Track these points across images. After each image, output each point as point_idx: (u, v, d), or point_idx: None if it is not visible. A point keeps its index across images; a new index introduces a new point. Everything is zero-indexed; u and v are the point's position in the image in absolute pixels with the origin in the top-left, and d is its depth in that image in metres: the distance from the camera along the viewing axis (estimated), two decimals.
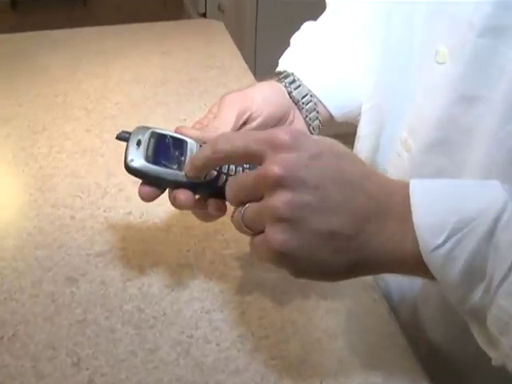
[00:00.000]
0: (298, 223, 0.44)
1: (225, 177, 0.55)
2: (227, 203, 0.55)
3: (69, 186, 0.80)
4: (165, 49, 1.20)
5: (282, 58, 0.74)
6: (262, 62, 2.35)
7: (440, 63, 0.57)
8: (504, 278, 0.42)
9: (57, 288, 0.65)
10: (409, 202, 0.45)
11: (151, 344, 0.59)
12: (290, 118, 0.68)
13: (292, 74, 0.69)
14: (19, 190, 0.81)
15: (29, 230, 0.73)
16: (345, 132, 0.76)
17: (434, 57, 0.57)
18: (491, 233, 0.42)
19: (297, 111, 0.69)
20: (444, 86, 0.56)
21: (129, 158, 0.54)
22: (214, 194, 0.55)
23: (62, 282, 0.66)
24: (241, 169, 0.56)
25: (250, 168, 0.56)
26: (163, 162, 0.54)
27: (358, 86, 0.71)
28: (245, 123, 0.63)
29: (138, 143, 0.55)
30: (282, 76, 0.69)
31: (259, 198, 0.47)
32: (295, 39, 0.75)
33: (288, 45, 0.75)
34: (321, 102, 0.70)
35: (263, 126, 0.64)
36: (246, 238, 0.50)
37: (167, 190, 0.56)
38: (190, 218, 0.67)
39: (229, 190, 0.51)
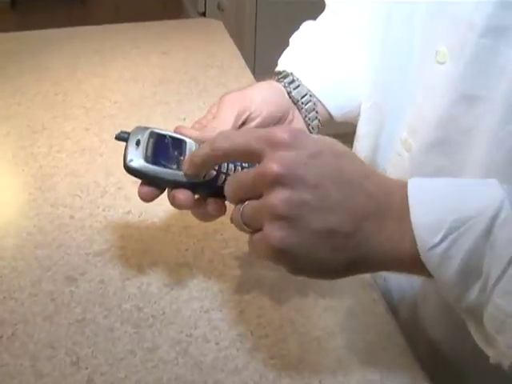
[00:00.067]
0: (296, 221, 0.44)
1: (224, 176, 0.55)
2: (227, 203, 0.55)
3: (68, 186, 0.80)
4: (164, 48, 1.20)
5: (281, 57, 0.74)
6: (262, 61, 2.35)
7: (440, 63, 0.57)
8: (500, 277, 0.42)
9: (56, 287, 0.65)
10: (407, 202, 0.45)
11: (150, 343, 0.59)
12: (290, 117, 0.68)
13: (291, 73, 0.69)
14: (19, 190, 0.81)
15: (28, 229, 0.73)
16: (344, 132, 0.76)
17: (435, 57, 0.57)
18: (488, 232, 0.42)
19: (296, 111, 0.69)
20: (444, 86, 0.56)
21: (128, 158, 0.54)
22: (213, 193, 0.55)
23: (62, 281, 0.66)
24: (240, 168, 0.56)
25: (249, 167, 0.56)
26: (162, 162, 0.54)
27: (358, 85, 0.71)
28: (244, 123, 0.63)
29: (137, 143, 0.55)
30: (281, 76, 0.69)
31: (258, 196, 0.47)
32: (294, 39, 0.76)
33: (287, 44, 0.75)
34: (320, 102, 0.70)
35: (262, 126, 0.64)
36: (245, 238, 0.50)
37: (166, 190, 0.56)
38: (188, 217, 0.67)
39: (228, 188, 0.51)
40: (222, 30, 1.31)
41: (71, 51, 1.18)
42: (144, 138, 0.55)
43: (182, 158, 0.55)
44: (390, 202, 0.46)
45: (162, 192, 0.56)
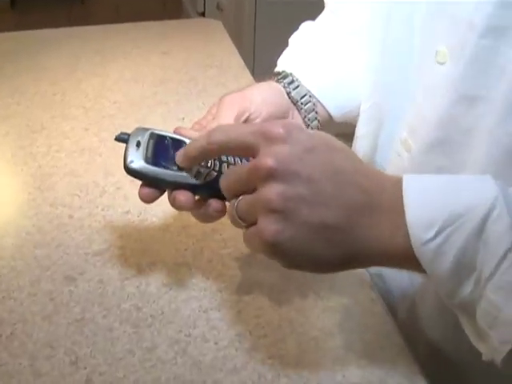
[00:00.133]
0: (290, 215, 0.45)
1: None
2: (227, 204, 0.55)
3: (67, 185, 0.80)
4: (164, 48, 1.21)
5: (280, 58, 0.74)
6: (261, 61, 2.35)
7: (440, 63, 0.57)
8: (493, 273, 0.42)
9: (55, 287, 0.65)
10: (401, 197, 0.45)
11: (149, 343, 0.59)
12: (289, 118, 0.68)
13: (291, 74, 0.69)
14: (18, 189, 0.81)
15: (27, 228, 0.73)
16: (344, 132, 0.76)
17: (435, 57, 0.57)
18: (481, 227, 0.42)
19: (296, 111, 0.69)
20: (444, 86, 0.56)
21: (128, 160, 0.54)
22: (213, 194, 0.54)
23: (61, 281, 0.66)
24: None
25: None
26: (163, 163, 0.54)
27: (357, 85, 0.71)
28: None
29: (138, 144, 0.54)
30: (280, 76, 0.69)
31: (252, 190, 0.47)
32: (294, 39, 0.76)
33: (286, 44, 0.75)
34: (320, 103, 0.70)
35: None
36: None
37: (167, 191, 0.56)
38: (187, 217, 0.67)
39: (223, 183, 0.51)
40: (221, 30, 1.32)
41: (70, 51, 1.18)
42: (144, 139, 0.55)
43: None
44: (384, 197, 0.46)
45: (162, 193, 0.55)
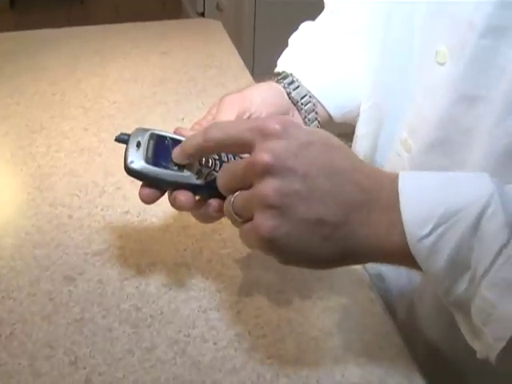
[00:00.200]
0: (286, 211, 0.45)
1: None
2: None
3: (67, 185, 0.80)
4: (163, 48, 1.21)
5: (280, 58, 0.74)
6: (260, 61, 2.35)
7: (440, 64, 0.57)
8: (488, 269, 0.42)
9: (54, 287, 0.65)
10: (397, 194, 0.45)
11: (148, 343, 0.59)
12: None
13: (291, 74, 0.69)
14: (17, 189, 0.81)
15: (27, 228, 0.73)
16: (344, 132, 0.76)
17: (435, 57, 0.58)
18: (476, 225, 0.42)
19: (296, 112, 0.69)
20: (444, 86, 0.57)
21: (129, 160, 0.54)
22: (214, 195, 0.54)
23: (60, 281, 0.66)
24: None
25: None
26: (163, 164, 0.54)
27: (357, 86, 0.71)
28: None
29: (138, 145, 0.54)
30: (280, 77, 0.69)
31: (249, 186, 0.47)
32: (293, 39, 0.76)
33: (286, 45, 0.75)
34: (320, 103, 0.70)
35: None
36: None
37: (167, 192, 0.56)
38: (187, 217, 0.67)
39: (220, 179, 0.51)
40: (220, 31, 1.32)
41: (70, 51, 1.18)
42: (144, 139, 0.55)
43: None
44: (380, 194, 0.46)
45: (162, 194, 0.55)
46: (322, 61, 0.73)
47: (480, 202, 0.43)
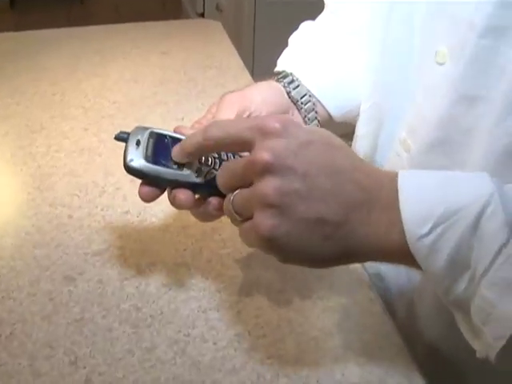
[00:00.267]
0: (286, 209, 0.45)
1: None
2: None
3: (67, 185, 0.80)
4: (163, 48, 1.21)
5: (280, 57, 0.74)
6: (260, 61, 2.35)
7: (440, 64, 0.57)
8: (487, 269, 0.42)
9: (54, 287, 0.65)
10: (397, 193, 0.45)
11: (148, 343, 0.59)
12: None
13: (291, 73, 0.69)
14: (17, 189, 0.81)
15: (27, 228, 0.73)
16: (344, 132, 0.76)
17: (434, 57, 0.58)
18: (476, 224, 0.42)
19: (296, 111, 0.69)
20: (444, 87, 0.57)
21: (128, 158, 0.54)
22: (213, 193, 0.54)
23: (60, 281, 0.66)
24: None
25: None
26: (163, 162, 0.54)
27: (357, 85, 0.71)
28: None
29: (137, 143, 0.54)
30: (280, 76, 0.69)
31: (248, 185, 0.47)
32: (293, 39, 0.76)
33: (286, 45, 0.75)
34: (319, 102, 0.70)
35: None
36: None
37: (166, 190, 0.56)
38: (187, 217, 0.67)
39: (219, 178, 0.51)
40: (220, 31, 1.32)
41: (70, 51, 1.18)
42: (144, 137, 0.55)
43: None
44: (380, 193, 0.46)
45: (162, 192, 0.55)
46: (322, 60, 0.73)
47: (480, 201, 0.43)
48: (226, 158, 0.56)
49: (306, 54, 0.73)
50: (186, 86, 1.07)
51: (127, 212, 0.76)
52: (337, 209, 0.45)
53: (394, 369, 0.58)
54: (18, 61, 1.14)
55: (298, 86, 0.68)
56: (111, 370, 0.57)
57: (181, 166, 0.54)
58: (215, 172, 0.54)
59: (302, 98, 0.68)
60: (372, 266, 0.70)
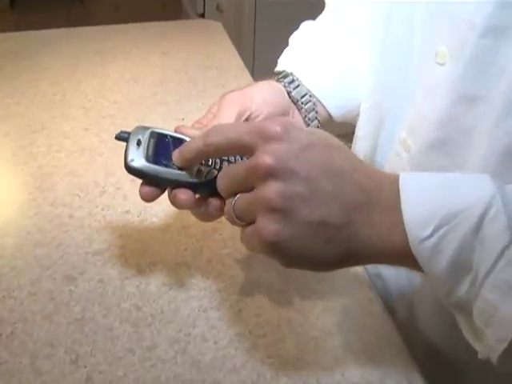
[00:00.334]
0: (290, 213, 0.45)
1: None
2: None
3: (67, 185, 0.80)
4: (163, 48, 1.21)
5: (280, 57, 0.74)
6: (260, 62, 2.36)
7: (440, 64, 0.57)
8: (490, 271, 0.42)
9: (55, 286, 0.65)
10: (398, 195, 0.45)
11: (149, 342, 0.60)
12: (290, 117, 0.68)
13: (291, 73, 0.69)
14: (18, 189, 0.81)
15: (28, 228, 0.73)
16: (344, 132, 0.76)
17: (435, 57, 0.58)
18: (478, 226, 0.42)
19: (296, 111, 0.69)
20: (444, 87, 0.57)
21: (129, 158, 0.54)
22: (214, 193, 0.55)
23: (61, 281, 0.66)
24: None
25: None
26: (163, 162, 0.54)
27: (358, 85, 0.71)
28: None
29: (138, 143, 0.54)
30: (281, 76, 0.69)
31: (250, 189, 0.47)
32: (294, 39, 0.76)
33: (286, 45, 0.76)
34: (320, 102, 0.70)
35: None
36: None
37: (167, 190, 0.56)
38: (187, 217, 0.68)
39: (220, 182, 0.51)
40: (221, 31, 1.32)
41: (70, 51, 1.19)
42: (145, 137, 0.55)
43: None
44: (381, 194, 0.46)
45: (162, 192, 0.55)
46: (322, 60, 0.73)
47: (482, 203, 0.43)
48: (226, 158, 0.56)
49: (307, 53, 0.73)
50: (187, 86, 1.07)
51: (128, 212, 0.76)
52: (338, 211, 0.45)
53: (393, 369, 0.58)
54: (18, 61, 1.14)
55: (298, 86, 0.68)
56: (112, 369, 0.57)
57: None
58: (215, 172, 0.54)
59: (302, 97, 0.68)
60: (372, 267, 0.70)
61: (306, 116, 0.68)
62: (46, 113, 0.97)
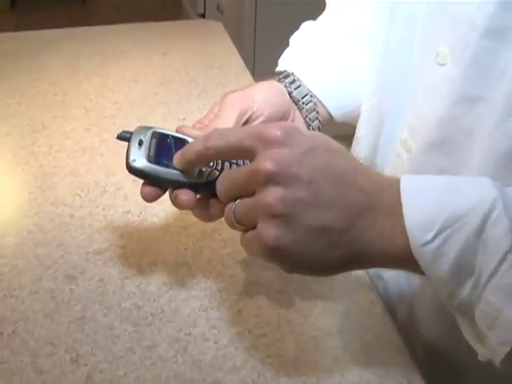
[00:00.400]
0: (291, 219, 0.44)
1: None
2: None
3: (68, 185, 0.81)
4: (164, 49, 1.21)
5: (281, 57, 0.74)
6: (261, 62, 2.36)
7: (441, 65, 0.57)
8: (492, 274, 0.42)
9: (56, 285, 0.65)
10: (399, 198, 0.45)
11: (149, 341, 0.60)
12: (291, 118, 0.68)
13: (292, 73, 0.69)
14: (19, 189, 0.81)
15: (29, 227, 0.73)
16: (345, 133, 0.77)
17: (435, 58, 0.58)
18: (480, 229, 0.42)
19: (297, 111, 0.69)
20: (445, 87, 0.57)
21: (131, 158, 0.54)
22: (215, 194, 0.55)
23: (62, 280, 0.66)
24: None
25: None
26: (165, 162, 0.54)
27: (358, 86, 0.71)
28: (246, 123, 0.63)
29: (140, 143, 0.55)
30: (282, 76, 0.69)
31: (251, 194, 0.47)
32: (295, 39, 0.75)
33: (287, 45, 0.76)
34: (320, 102, 0.70)
35: None
36: None
37: (168, 190, 0.56)
38: (187, 217, 0.68)
39: (220, 186, 0.51)
40: (221, 32, 1.32)
41: (71, 52, 1.19)
42: (146, 137, 0.55)
43: None
44: (382, 197, 0.46)
45: (164, 192, 0.55)
46: (323, 60, 0.73)
47: (484, 205, 0.43)
48: None
49: (308, 54, 0.73)
50: (187, 87, 1.07)
51: (128, 211, 0.76)
52: (340, 216, 0.45)
53: (393, 370, 0.58)
54: (18, 61, 1.14)
55: (299, 86, 0.68)
56: (112, 368, 0.57)
57: None
58: (217, 173, 0.55)
59: (303, 98, 0.68)
60: (373, 269, 0.70)
61: (306, 116, 0.68)
62: (46, 113, 0.97)
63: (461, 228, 0.43)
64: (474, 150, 0.56)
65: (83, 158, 0.86)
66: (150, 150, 0.54)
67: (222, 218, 0.55)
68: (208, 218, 0.56)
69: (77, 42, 1.23)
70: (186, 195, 0.54)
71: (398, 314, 0.71)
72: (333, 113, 0.71)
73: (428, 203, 0.44)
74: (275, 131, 0.46)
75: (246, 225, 0.49)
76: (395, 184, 0.46)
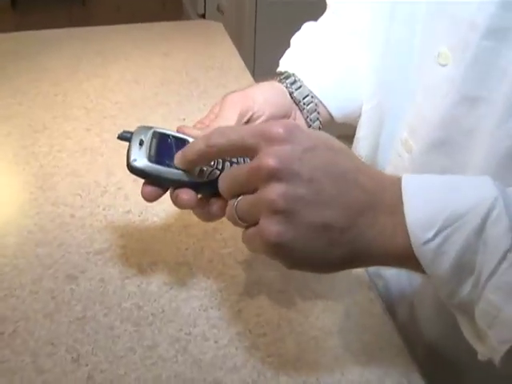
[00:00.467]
0: (292, 215, 0.45)
1: None
2: None
3: (69, 185, 0.81)
4: (164, 49, 1.21)
5: (282, 58, 0.74)
6: (261, 62, 2.36)
7: (442, 65, 0.57)
8: (493, 273, 0.42)
9: (57, 285, 0.66)
10: (400, 196, 0.45)
11: (150, 341, 0.60)
12: (291, 118, 0.68)
13: (293, 74, 0.69)
14: (20, 189, 0.81)
15: (29, 227, 0.73)
16: (345, 134, 0.77)
17: (436, 58, 0.58)
18: (481, 228, 0.42)
19: (298, 112, 0.68)
20: (445, 87, 0.57)
21: (131, 158, 0.54)
22: (216, 193, 0.55)
23: (62, 280, 0.66)
24: None
25: None
26: (166, 162, 0.54)
27: (359, 86, 0.71)
28: (246, 123, 0.63)
29: (141, 143, 0.55)
30: (283, 76, 0.69)
31: (253, 191, 0.47)
32: (296, 40, 0.76)
33: (287, 46, 0.76)
34: (321, 103, 0.70)
35: None
36: None
37: (169, 190, 0.56)
38: (188, 216, 0.68)
39: (222, 183, 0.51)
40: (222, 32, 1.32)
41: (71, 52, 1.19)
42: (147, 137, 0.55)
43: None
44: (384, 195, 0.46)
45: (165, 192, 0.55)
46: (324, 61, 0.73)
47: (485, 204, 0.43)
48: (229, 158, 0.56)
49: (309, 54, 0.73)
50: (188, 87, 1.07)
51: (129, 211, 0.76)
52: (342, 214, 0.45)
53: (393, 369, 0.58)
54: (19, 61, 1.14)
55: (300, 87, 0.68)
56: (113, 368, 0.57)
57: None
58: (218, 172, 0.55)
59: (304, 98, 0.68)
60: (373, 268, 0.70)
61: (307, 117, 0.68)
62: (47, 113, 0.97)
63: (461, 227, 0.43)
64: (475, 150, 0.56)
65: (84, 158, 0.86)
66: (150, 150, 0.54)
67: (223, 218, 0.55)
68: (209, 217, 0.56)
69: (77, 43, 1.23)
70: (187, 195, 0.54)
71: (399, 313, 0.71)
72: (333, 113, 0.71)
73: (429, 202, 0.45)
74: (278, 129, 0.46)
75: (248, 221, 0.49)
76: (396, 183, 0.46)
